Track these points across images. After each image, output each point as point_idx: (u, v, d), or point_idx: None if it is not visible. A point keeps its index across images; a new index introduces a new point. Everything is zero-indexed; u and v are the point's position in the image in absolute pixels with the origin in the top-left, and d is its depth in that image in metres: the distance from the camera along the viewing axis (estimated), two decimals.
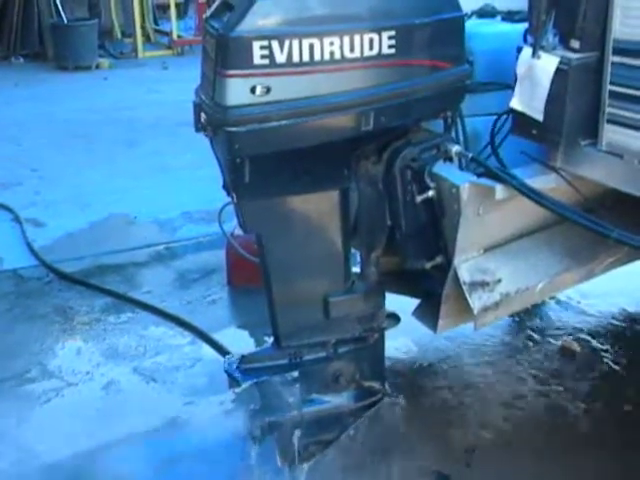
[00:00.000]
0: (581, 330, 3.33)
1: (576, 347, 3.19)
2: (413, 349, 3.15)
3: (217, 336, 3.25)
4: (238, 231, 3.66)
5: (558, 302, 3.56)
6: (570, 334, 3.29)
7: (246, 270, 3.43)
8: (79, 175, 5.29)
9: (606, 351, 3.18)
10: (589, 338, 3.27)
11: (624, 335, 3.30)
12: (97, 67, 8.67)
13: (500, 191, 2.03)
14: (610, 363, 3.10)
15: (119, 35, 9.80)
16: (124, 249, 4.16)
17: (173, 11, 9.48)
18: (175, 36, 9.45)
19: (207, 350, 3.22)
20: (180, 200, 4.75)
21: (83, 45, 8.61)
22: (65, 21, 8.73)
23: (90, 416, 2.82)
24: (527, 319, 3.43)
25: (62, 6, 8.85)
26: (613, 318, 3.42)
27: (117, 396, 2.95)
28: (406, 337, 3.12)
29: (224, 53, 1.89)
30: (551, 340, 3.26)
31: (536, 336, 3.29)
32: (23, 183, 5.18)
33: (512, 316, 3.43)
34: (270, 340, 2.69)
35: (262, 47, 1.87)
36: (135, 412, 2.83)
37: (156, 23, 10.23)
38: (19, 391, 2.98)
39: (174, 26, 9.48)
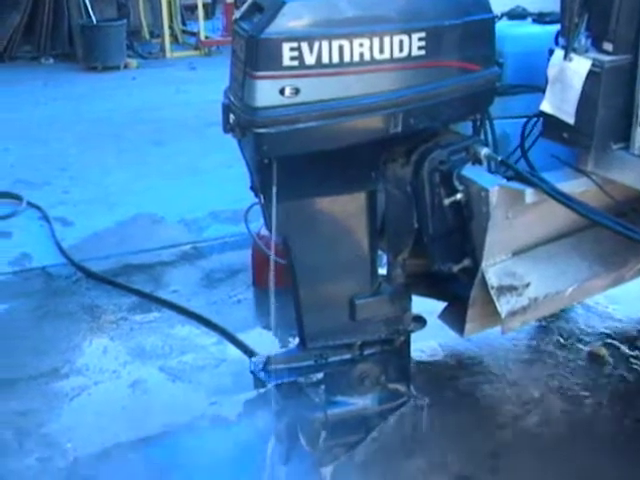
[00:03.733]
0: (609, 335, 3.30)
1: (604, 353, 3.16)
2: (439, 352, 3.14)
3: (242, 336, 3.26)
4: (264, 231, 3.68)
5: (585, 307, 3.52)
6: (598, 339, 3.26)
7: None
8: (107, 175, 5.33)
9: (635, 357, 3.14)
10: (617, 344, 3.23)
11: None
12: (125, 67, 8.73)
13: (530, 195, 2.01)
14: (638, 368, 3.06)
15: (147, 35, 9.87)
16: (151, 248, 4.19)
17: (201, 12, 9.52)
18: (203, 37, 9.49)
19: (232, 350, 3.23)
20: (207, 200, 4.77)
21: (112, 45, 8.66)
22: (94, 22, 8.81)
23: (117, 414, 2.85)
24: (554, 324, 3.40)
25: (91, 7, 8.93)
26: None
27: (143, 395, 2.98)
28: (432, 340, 3.11)
29: (254, 54, 1.89)
30: (579, 345, 3.23)
31: (563, 341, 3.26)
32: (52, 182, 5.23)
33: (539, 320, 3.41)
34: (294, 341, 2.71)
35: (292, 49, 1.86)
36: (161, 411, 2.85)
37: (184, 24, 10.28)
38: (47, 388, 3.02)
39: (202, 27, 9.51)
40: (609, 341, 3.26)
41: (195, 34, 9.73)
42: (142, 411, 2.86)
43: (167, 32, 9.40)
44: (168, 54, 9.38)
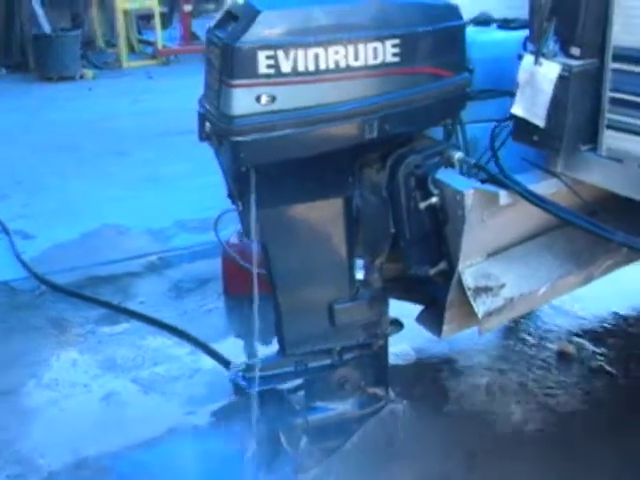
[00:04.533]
0: (576, 334, 3.37)
1: (572, 350, 3.23)
2: (412, 355, 3.17)
3: (215, 346, 3.25)
4: (234, 239, 3.69)
5: (552, 307, 3.59)
6: (566, 338, 3.33)
7: (242, 279, 3.42)
8: (67, 186, 5.27)
9: (600, 354, 3.22)
10: (584, 341, 3.31)
11: (617, 337, 3.34)
12: (81, 77, 8.67)
13: (504, 197, 2.06)
14: (604, 365, 3.14)
15: (102, 45, 9.80)
16: (117, 259, 4.15)
17: (158, 21, 9.49)
18: (160, 46, 9.46)
19: (206, 360, 3.21)
20: (172, 209, 4.75)
21: (66, 55, 8.61)
22: (48, 32, 8.71)
23: (89, 427, 2.81)
24: (524, 323, 3.47)
25: (44, 16, 8.83)
26: (606, 321, 3.46)
27: (116, 407, 2.94)
28: (406, 343, 3.14)
29: (229, 63, 1.90)
30: (547, 344, 3.30)
31: (533, 340, 3.32)
32: (9, 195, 5.15)
33: (509, 321, 3.48)
34: (269, 349, 2.71)
35: (267, 57, 1.88)
36: (135, 422, 2.83)
37: (140, 33, 10.23)
38: (16, 404, 2.97)
39: (159, 36, 9.48)
40: (576, 339, 3.33)
41: (152, 43, 9.70)
42: (116, 423, 2.82)
43: (123, 42, 9.35)
44: (124, 64, 9.33)
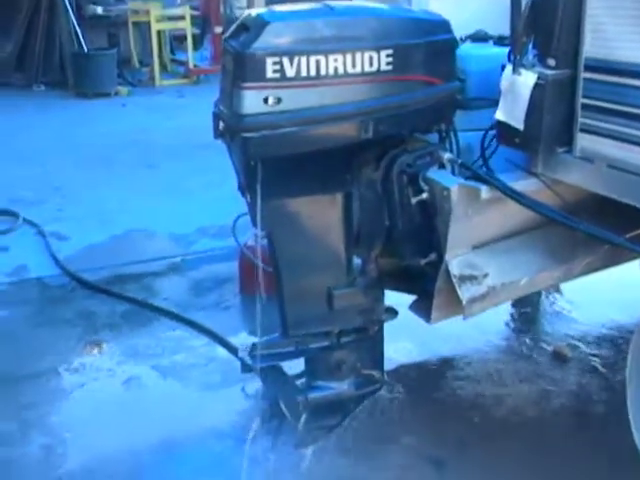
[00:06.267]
0: (572, 337, 3.53)
1: (567, 352, 3.39)
2: (413, 351, 3.36)
3: (229, 339, 3.46)
4: (251, 242, 3.92)
5: (551, 312, 3.77)
6: (562, 341, 3.49)
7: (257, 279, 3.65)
8: (100, 194, 5.54)
9: (595, 355, 3.38)
10: (579, 344, 3.47)
11: (612, 341, 3.49)
12: (116, 94, 8.99)
13: (485, 192, 2.27)
14: (598, 366, 3.29)
15: (137, 64, 10.17)
16: (143, 260, 4.39)
17: (190, 42, 9.84)
18: (191, 65, 9.80)
19: (220, 351, 3.43)
20: (195, 217, 4.99)
21: (102, 73, 8.93)
22: (85, 50, 9.10)
23: (112, 406, 3.04)
24: (522, 326, 3.65)
25: (83, 36, 9.23)
26: (602, 326, 3.61)
27: (137, 390, 3.17)
28: (406, 340, 3.34)
29: (241, 68, 2.15)
30: (544, 345, 3.46)
31: (529, 342, 3.49)
32: (47, 201, 5.43)
33: (507, 323, 3.66)
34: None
35: (274, 63, 2.12)
36: (154, 403, 3.05)
37: (173, 53, 10.61)
38: (48, 385, 3.18)
39: (190, 56, 9.83)
40: (572, 342, 3.49)
41: (183, 63, 10.05)
42: (136, 403, 3.06)
43: (156, 61, 9.70)
44: (157, 82, 9.66)
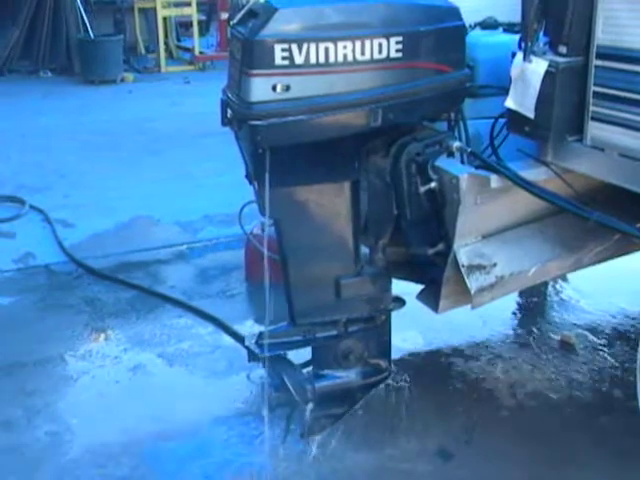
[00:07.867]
0: (580, 326, 3.52)
1: (574, 340, 3.38)
2: (420, 340, 3.36)
3: (235, 327, 3.46)
4: (257, 230, 3.91)
5: (558, 301, 3.76)
6: (569, 329, 3.48)
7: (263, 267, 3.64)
8: (105, 181, 5.54)
9: (603, 345, 3.37)
10: (587, 333, 3.46)
11: (621, 331, 3.48)
12: (122, 81, 8.98)
13: (494, 180, 2.25)
14: (606, 356, 3.28)
15: (143, 51, 10.14)
16: (148, 248, 4.39)
17: (196, 28, 9.81)
18: (197, 52, 9.77)
19: (226, 339, 3.43)
20: (201, 204, 4.98)
21: (109, 59, 8.92)
22: (92, 37, 9.07)
23: (118, 393, 3.05)
24: (529, 316, 3.64)
25: (89, 23, 9.20)
26: (610, 315, 3.60)
27: (143, 376, 3.17)
28: (413, 329, 3.34)
29: (249, 55, 2.13)
30: (551, 334, 3.45)
31: (536, 331, 3.48)
32: (53, 188, 5.43)
33: (514, 313, 3.65)
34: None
35: (283, 50, 2.10)
36: (159, 389, 3.06)
37: (178, 40, 10.57)
38: (53, 372, 3.20)
39: (196, 42, 9.80)
40: (580, 331, 3.48)
41: (190, 50, 10.02)
42: (142, 391, 3.06)
43: (162, 47, 9.68)
44: (163, 69, 9.65)
